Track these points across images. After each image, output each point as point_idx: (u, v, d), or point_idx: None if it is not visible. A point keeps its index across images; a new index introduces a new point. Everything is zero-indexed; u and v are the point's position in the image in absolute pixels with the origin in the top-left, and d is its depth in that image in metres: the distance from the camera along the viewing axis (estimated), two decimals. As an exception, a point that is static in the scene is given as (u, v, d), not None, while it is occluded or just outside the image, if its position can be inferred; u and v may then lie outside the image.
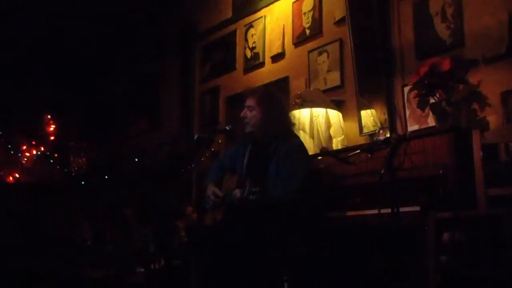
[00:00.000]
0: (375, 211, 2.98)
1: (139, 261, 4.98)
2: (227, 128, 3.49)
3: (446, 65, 3.21)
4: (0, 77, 6.99)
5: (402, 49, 4.14)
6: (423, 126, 3.83)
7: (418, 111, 3.62)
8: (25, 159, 7.42)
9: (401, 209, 2.74)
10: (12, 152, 7.32)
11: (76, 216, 6.41)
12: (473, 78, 3.34)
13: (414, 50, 4.05)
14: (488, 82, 3.38)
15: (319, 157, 3.79)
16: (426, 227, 2.78)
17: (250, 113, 3.28)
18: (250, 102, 3.30)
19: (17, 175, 7.32)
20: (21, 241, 5.83)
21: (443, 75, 3.22)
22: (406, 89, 3.95)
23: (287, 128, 3.36)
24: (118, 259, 5.18)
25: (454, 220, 2.78)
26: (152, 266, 4.74)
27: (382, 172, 2.50)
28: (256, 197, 2.90)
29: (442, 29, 3.88)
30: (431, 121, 3.65)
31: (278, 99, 3.42)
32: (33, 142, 7.46)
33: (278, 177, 3.09)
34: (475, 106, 3.25)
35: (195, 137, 3.51)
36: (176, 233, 4.63)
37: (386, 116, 4.09)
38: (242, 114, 3.32)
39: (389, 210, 2.64)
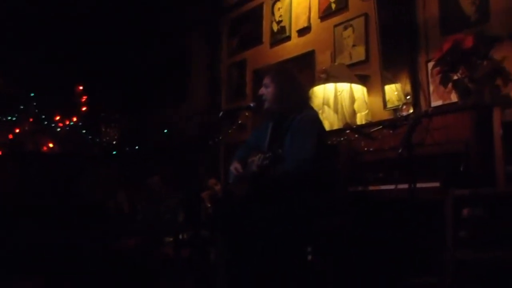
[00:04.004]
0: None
1: (167, 231, 5.09)
2: (251, 105, 3.54)
3: (469, 42, 3.21)
4: (32, 48, 7.13)
5: (426, 25, 4.13)
6: (447, 102, 3.84)
7: (442, 87, 3.63)
8: (58, 129, 7.55)
9: (421, 185, 2.79)
10: (46, 123, 7.45)
11: (110, 185, 6.55)
12: (497, 54, 3.32)
13: (439, 26, 4.03)
14: (512, 58, 3.35)
15: (343, 132, 3.85)
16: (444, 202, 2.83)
17: (266, 90, 3.38)
18: (265, 80, 3.40)
19: (51, 145, 7.46)
20: (56, 210, 6.01)
21: (465, 52, 3.23)
22: (430, 64, 3.92)
23: (303, 101, 3.39)
24: (147, 228, 5.31)
25: (473, 197, 2.82)
26: (180, 236, 4.85)
27: (400, 150, 2.55)
28: (269, 161, 3.00)
29: (467, 5, 3.85)
30: (454, 97, 3.63)
31: (291, 74, 3.49)
32: (66, 113, 7.57)
33: (291, 149, 3.14)
34: (499, 82, 3.25)
35: (220, 113, 3.59)
36: (202, 204, 4.74)
37: (410, 91, 4.12)
38: (259, 92, 3.42)
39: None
